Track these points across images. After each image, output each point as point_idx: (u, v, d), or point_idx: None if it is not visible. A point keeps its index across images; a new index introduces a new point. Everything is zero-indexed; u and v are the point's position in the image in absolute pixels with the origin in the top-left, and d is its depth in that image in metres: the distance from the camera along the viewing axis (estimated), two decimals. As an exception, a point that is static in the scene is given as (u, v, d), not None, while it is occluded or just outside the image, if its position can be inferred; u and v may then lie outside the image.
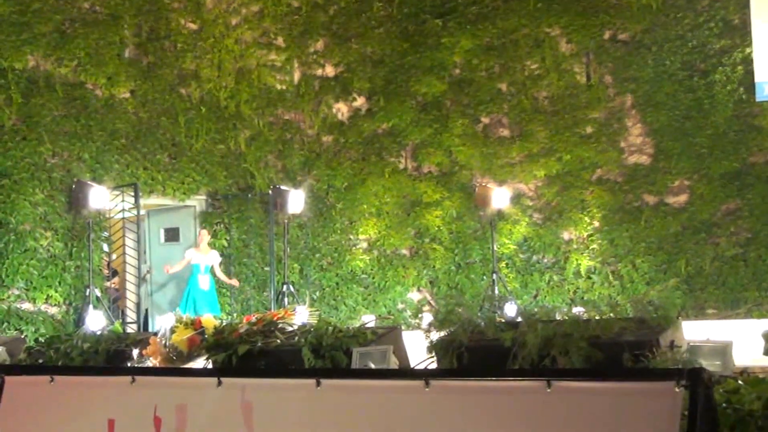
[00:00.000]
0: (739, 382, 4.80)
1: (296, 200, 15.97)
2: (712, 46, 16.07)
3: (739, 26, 15.83)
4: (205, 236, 16.28)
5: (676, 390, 3.54)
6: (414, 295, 17.28)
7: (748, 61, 15.52)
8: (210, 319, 10.19)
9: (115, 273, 16.64)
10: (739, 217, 15.92)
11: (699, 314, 15.53)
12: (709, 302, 15.89)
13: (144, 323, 15.55)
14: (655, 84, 16.37)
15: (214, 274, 16.00)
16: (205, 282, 16.05)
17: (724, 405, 4.34)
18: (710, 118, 15.98)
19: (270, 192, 16.13)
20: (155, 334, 10.20)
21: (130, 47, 15.48)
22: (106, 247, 15.90)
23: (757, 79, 15.16)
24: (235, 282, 16.65)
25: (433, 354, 7.84)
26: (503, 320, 8.54)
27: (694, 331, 7.78)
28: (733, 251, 15.89)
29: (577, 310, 7.80)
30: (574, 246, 16.78)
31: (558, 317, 7.48)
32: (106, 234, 15.49)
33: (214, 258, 16.30)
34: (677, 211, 16.26)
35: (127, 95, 15.32)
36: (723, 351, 6.28)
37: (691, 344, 6.58)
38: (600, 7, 16.71)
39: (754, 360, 7.39)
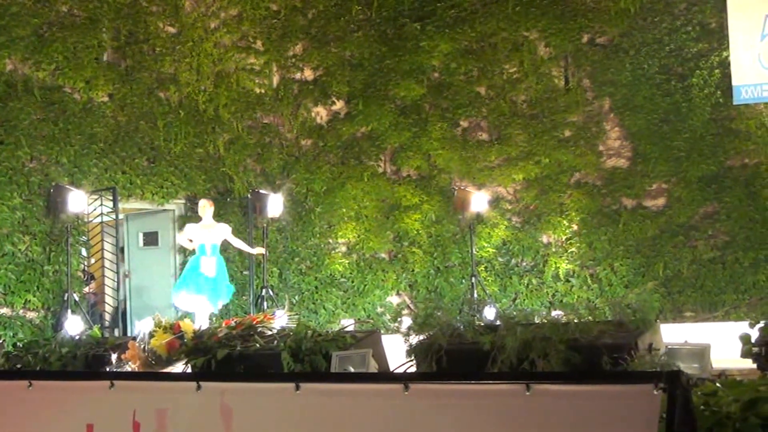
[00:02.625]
0: (717, 384, 4.82)
1: (275, 204, 15.95)
2: (689, 50, 16.14)
3: (716, 30, 15.90)
4: (208, 207, 14.78)
5: (655, 393, 3.55)
6: (393, 299, 17.27)
7: (725, 65, 15.59)
8: (189, 324, 10.19)
9: (91, 277, 16.59)
10: (716, 220, 15.99)
11: (677, 317, 15.59)
12: (687, 305, 15.95)
13: (123, 328, 15.50)
14: (633, 87, 16.43)
15: (228, 251, 15.63)
16: (209, 266, 14.49)
17: (702, 407, 4.36)
18: (688, 121, 16.05)
19: (249, 196, 16.12)
20: (134, 338, 10.21)
21: (108, 51, 15.43)
22: (84, 252, 15.85)
23: (734, 82, 15.23)
24: (260, 250, 15.69)
25: (413, 358, 7.86)
26: (482, 324, 8.57)
27: (673, 334, 7.83)
28: (710, 254, 15.95)
29: (556, 313, 7.83)
30: (553, 249, 16.81)
31: (537, 320, 7.51)
32: (84, 238, 15.43)
33: (223, 232, 14.78)
34: (655, 215, 16.32)
35: (106, 99, 15.26)
36: (701, 354, 6.31)
37: (669, 347, 6.61)
38: (578, 11, 16.76)
39: (732, 362, 7.43)
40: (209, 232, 14.70)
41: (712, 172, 15.96)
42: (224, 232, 14.86)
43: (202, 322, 13.33)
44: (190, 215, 16.07)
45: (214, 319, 15.26)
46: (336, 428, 4.35)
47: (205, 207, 14.81)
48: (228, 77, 16.48)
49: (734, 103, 15.40)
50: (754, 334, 7.45)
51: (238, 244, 15.24)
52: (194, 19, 16.22)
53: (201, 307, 14.38)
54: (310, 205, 16.98)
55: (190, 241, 14.87)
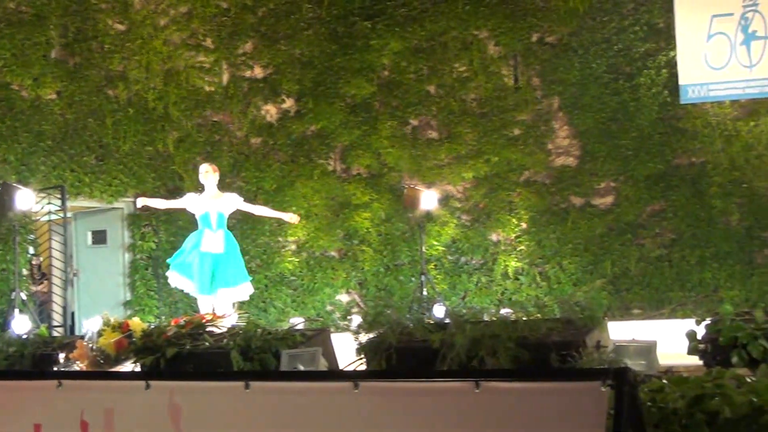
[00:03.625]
0: (664, 381, 4.86)
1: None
2: (637, 50, 16.25)
3: (664, 30, 16.03)
4: (211, 173, 12.99)
5: (602, 389, 3.57)
6: (343, 297, 17.26)
7: (672, 64, 15.72)
8: (138, 323, 10.12)
9: (44, 276, 16.46)
10: (663, 218, 16.11)
11: (625, 314, 15.69)
12: (634, 302, 16.06)
13: (71, 327, 15.38)
14: (582, 87, 16.52)
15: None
16: (217, 241, 12.67)
17: (649, 404, 4.39)
18: (635, 120, 16.16)
19: (198, 194, 16.05)
20: (82, 337, 10.12)
21: (56, 48, 15.31)
22: (31, 250, 15.72)
23: (681, 81, 15.36)
24: (294, 217, 13.89)
25: (363, 356, 7.86)
26: (432, 322, 8.57)
27: (620, 331, 7.87)
28: (657, 252, 16.08)
29: (505, 311, 7.85)
30: (502, 247, 16.87)
31: (486, 318, 7.54)
32: (32, 237, 15.30)
33: (233, 201, 13.12)
34: (603, 213, 16.42)
35: (54, 96, 15.15)
36: (648, 351, 6.36)
37: (616, 344, 6.65)
38: (527, 10, 16.82)
39: (679, 359, 7.49)
40: (215, 202, 12.90)
41: (660, 170, 16.08)
42: (234, 201, 13.16)
43: (224, 310, 11.91)
44: (139, 213, 15.97)
45: (162, 318, 15.14)
46: (286, 427, 4.34)
47: (208, 173, 13.01)
48: (177, 75, 16.40)
49: (681, 102, 15.53)
50: (701, 331, 7.52)
51: (261, 210, 14.00)
52: (143, 16, 16.13)
53: (197, 293, 12.75)
54: (260, 203, 16.93)
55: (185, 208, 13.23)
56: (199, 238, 12.73)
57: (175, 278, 12.84)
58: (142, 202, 13.46)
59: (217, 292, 12.59)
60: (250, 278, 13.37)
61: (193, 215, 13.10)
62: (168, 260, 13.22)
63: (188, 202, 13.10)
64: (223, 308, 12.25)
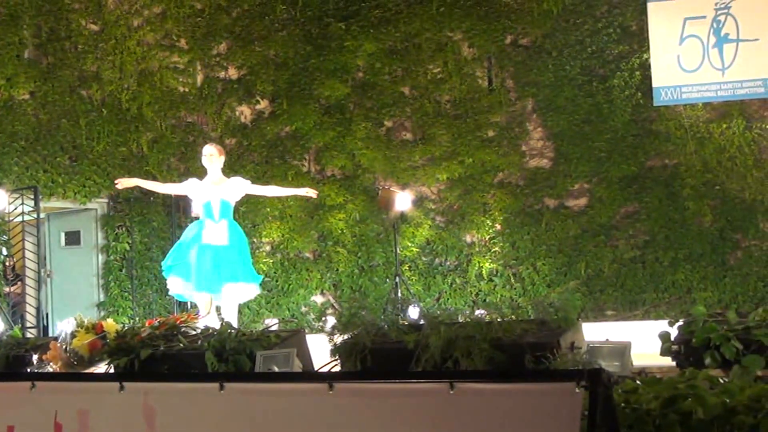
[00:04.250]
0: (638, 382, 4.87)
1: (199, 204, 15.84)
2: (610, 52, 16.32)
3: (637, 32, 16.10)
4: (216, 156, 11.53)
5: (577, 390, 3.59)
6: (317, 298, 17.25)
7: (645, 67, 15.80)
8: (112, 324, 10.07)
9: (17, 277, 16.38)
10: (637, 220, 16.17)
11: (598, 316, 15.75)
12: (608, 304, 16.12)
13: (44, 328, 15.31)
14: (555, 88, 16.56)
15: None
16: (220, 233, 11.20)
17: (623, 405, 4.40)
18: (609, 122, 16.22)
19: (172, 195, 15.99)
20: (55, 338, 10.06)
21: (29, 48, 15.25)
22: (4, 251, 15.64)
23: (654, 84, 15.45)
24: (311, 191, 12.28)
25: (337, 357, 7.84)
26: (406, 323, 8.57)
27: (594, 333, 7.88)
28: (631, 254, 16.13)
29: (480, 312, 7.84)
30: (476, 249, 16.89)
31: (460, 319, 7.52)
32: (5, 237, 15.23)
33: (240, 186, 11.65)
34: (577, 215, 16.47)
35: (27, 97, 15.09)
36: (622, 352, 6.37)
37: (590, 345, 6.66)
38: (501, 12, 16.86)
39: (652, 360, 7.51)
40: (218, 189, 11.47)
41: (633, 172, 16.14)
42: (241, 186, 11.68)
43: (229, 314, 10.80)
44: (113, 214, 15.91)
45: (137, 319, 15.07)
46: (261, 428, 4.34)
47: (212, 156, 11.55)
48: (151, 76, 16.35)
49: (654, 104, 15.61)
50: (674, 332, 7.54)
51: (273, 190, 12.91)
52: (117, 16, 16.07)
53: (194, 290, 11.21)
54: (234, 204, 16.89)
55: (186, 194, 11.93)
56: (199, 229, 11.30)
57: (175, 285, 11.36)
58: (126, 183, 12.12)
59: (221, 288, 11.09)
60: (261, 277, 12.16)
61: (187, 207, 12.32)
62: (163, 263, 11.78)
63: (189, 188, 11.63)
64: (230, 309, 11.09)
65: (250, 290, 11.54)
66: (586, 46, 16.41)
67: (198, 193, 11.49)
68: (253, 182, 12.04)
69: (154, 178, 15.68)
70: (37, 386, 5.05)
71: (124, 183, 12.02)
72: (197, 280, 11.05)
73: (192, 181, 11.66)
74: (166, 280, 11.80)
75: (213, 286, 11.04)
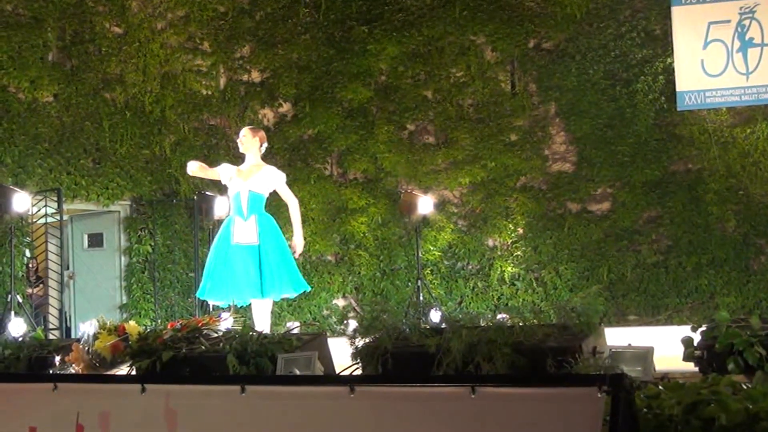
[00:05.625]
0: (660, 387, 4.85)
1: (221, 206, 15.85)
2: (634, 56, 16.26)
3: (661, 36, 16.05)
4: (248, 137, 10.63)
5: (599, 395, 3.58)
6: (339, 302, 17.26)
7: (669, 71, 15.73)
8: (134, 326, 10.10)
9: (39, 279, 16.44)
10: (660, 224, 16.12)
11: (621, 321, 15.70)
12: (630, 309, 16.06)
13: (66, 330, 15.36)
14: (579, 93, 16.52)
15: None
16: (249, 231, 10.34)
17: (644, 410, 4.39)
18: (632, 126, 16.17)
19: (195, 197, 16.01)
20: (78, 340, 10.09)
21: (53, 51, 15.31)
22: (28, 253, 15.70)
23: (678, 88, 15.38)
24: (297, 246, 10.86)
25: (358, 360, 7.85)
26: (428, 327, 8.56)
27: (616, 337, 7.86)
28: (654, 258, 16.08)
29: (501, 316, 7.84)
30: (499, 253, 16.86)
31: (482, 324, 7.52)
32: (28, 239, 15.29)
33: (273, 179, 10.84)
34: (599, 219, 16.43)
35: (51, 99, 15.14)
36: (644, 357, 6.35)
37: (613, 350, 6.64)
38: (525, 16, 16.82)
39: (675, 365, 7.49)
40: (248, 180, 10.52)
41: (656, 177, 16.10)
42: (275, 178, 10.82)
43: (261, 322, 10.37)
44: (136, 216, 15.96)
45: (159, 321, 15.09)
46: (281, 431, 4.34)
47: (245, 137, 10.62)
48: (175, 78, 16.39)
49: (678, 109, 15.53)
50: (697, 337, 7.52)
51: (292, 209, 11.16)
52: (141, 19, 16.12)
53: (237, 300, 10.57)
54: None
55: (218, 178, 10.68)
56: (227, 229, 10.43)
57: (216, 300, 10.77)
58: (195, 165, 10.38)
59: (267, 294, 10.43)
60: (304, 285, 10.90)
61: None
62: (198, 293, 10.96)
63: (222, 173, 10.65)
64: (263, 314, 10.53)
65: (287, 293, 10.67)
66: (609, 50, 16.36)
67: (229, 182, 10.60)
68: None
69: (177, 181, 15.75)
70: (60, 388, 5.06)
71: (196, 170, 10.40)
72: (235, 293, 10.33)
73: (224, 166, 10.80)
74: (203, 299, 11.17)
75: (252, 293, 10.33)
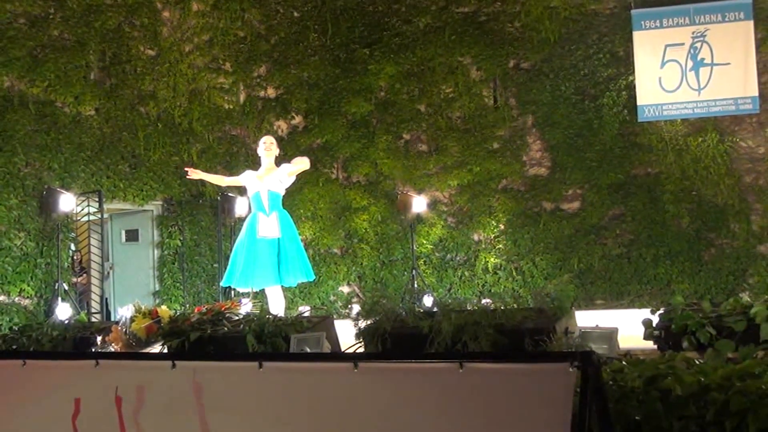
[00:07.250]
0: (623, 362, 4.86)
1: (242, 205, 15.87)
2: (600, 74, 16.25)
3: (624, 57, 16.03)
4: (275, 145, 10.86)
5: (570, 370, 3.59)
6: (344, 289, 17.24)
7: (631, 87, 15.74)
8: (165, 310, 10.10)
9: (83, 269, 16.44)
10: (623, 221, 16.12)
11: (589, 305, 15.70)
12: (597, 294, 16.06)
13: (106, 314, 15.36)
14: (552, 106, 16.51)
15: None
16: (272, 225, 10.51)
17: (610, 383, 4.40)
18: (599, 136, 16.17)
19: (218, 198, 16.00)
20: (116, 323, 10.10)
21: (95, 70, 15.27)
22: (73, 247, 15.70)
23: (638, 102, 15.39)
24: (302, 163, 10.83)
25: (361, 340, 7.86)
26: (421, 310, 8.57)
27: (585, 319, 7.87)
28: (618, 251, 16.08)
29: (485, 301, 7.85)
30: (483, 246, 16.85)
31: (469, 308, 7.52)
32: (73, 235, 15.27)
33: (280, 173, 10.80)
34: (571, 216, 16.42)
35: (92, 113, 15.12)
36: (610, 336, 6.36)
37: (582, 330, 6.65)
38: (505, 40, 16.82)
39: (636, 344, 7.50)
40: (265, 181, 10.68)
41: (620, 179, 16.09)
42: (281, 172, 10.77)
43: (276, 306, 10.51)
44: (167, 215, 15.94)
45: (187, 306, 15.09)
46: (295, 401, 4.35)
47: (273, 144, 10.89)
48: (200, 94, 16.38)
49: (638, 120, 15.54)
50: (655, 319, 7.55)
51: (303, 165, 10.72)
52: (171, 43, 16.11)
53: (269, 288, 10.72)
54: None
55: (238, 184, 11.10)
56: (252, 224, 10.57)
57: (241, 285, 10.81)
58: (195, 174, 11.04)
59: (283, 281, 10.63)
60: (314, 276, 11.24)
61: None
62: (223, 281, 11.11)
63: (244, 179, 10.89)
64: (278, 298, 10.71)
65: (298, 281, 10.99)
66: (579, 69, 16.36)
67: (249, 184, 10.83)
68: (286, 190, 11.22)
69: (203, 184, 15.71)
70: (101, 364, 5.06)
71: (193, 173, 11.03)
72: (259, 280, 10.56)
73: (248, 173, 10.97)
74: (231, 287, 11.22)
75: (275, 279, 10.54)
